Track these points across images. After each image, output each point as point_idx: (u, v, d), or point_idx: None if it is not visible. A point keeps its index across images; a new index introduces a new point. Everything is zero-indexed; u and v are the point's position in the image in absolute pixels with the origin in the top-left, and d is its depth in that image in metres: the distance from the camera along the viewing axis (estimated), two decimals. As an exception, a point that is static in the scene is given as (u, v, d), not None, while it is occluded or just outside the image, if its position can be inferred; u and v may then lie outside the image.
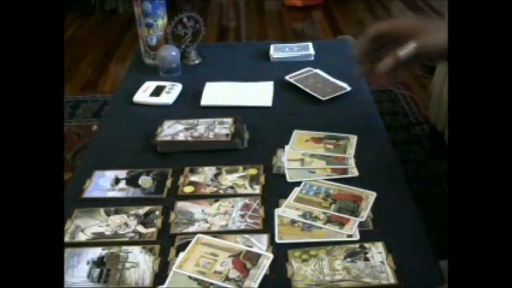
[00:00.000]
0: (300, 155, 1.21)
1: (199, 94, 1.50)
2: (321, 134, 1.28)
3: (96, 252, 0.96)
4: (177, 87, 1.53)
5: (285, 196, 1.08)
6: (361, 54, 1.11)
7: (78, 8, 4.04)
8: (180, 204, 1.07)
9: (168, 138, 1.27)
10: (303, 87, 1.50)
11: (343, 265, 0.90)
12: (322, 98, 1.45)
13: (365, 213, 1.02)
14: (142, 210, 1.06)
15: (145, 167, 1.20)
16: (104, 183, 1.15)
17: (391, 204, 1.05)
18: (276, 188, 1.11)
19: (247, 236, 0.98)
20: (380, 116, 1.40)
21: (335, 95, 1.46)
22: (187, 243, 0.96)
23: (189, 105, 1.47)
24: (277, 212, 1.04)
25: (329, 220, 1.01)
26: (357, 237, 0.96)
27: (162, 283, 0.89)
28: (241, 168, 1.18)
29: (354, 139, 1.26)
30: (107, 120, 1.52)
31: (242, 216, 1.03)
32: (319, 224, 1.00)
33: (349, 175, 1.14)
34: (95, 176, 1.17)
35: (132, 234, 1.00)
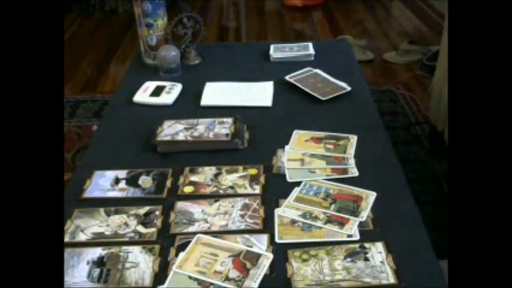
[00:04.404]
0: (300, 155, 1.21)
1: (199, 94, 1.50)
2: (321, 134, 1.28)
3: (96, 252, 0.96)
4: (177, 87, 1.53)
5: (285, 196, 1.08)
6: None
7: (78, 8, 4.03)
8: (180, 204, 1.07)
9: (168, 138, 1.27)
10: (303, 87, 1.50)
11: (343, 265, 0.90)
12: (322, 98, 1.45)
13: (365, 213, 1.02)
14: (142, 210, 1.06)
15: (145, 167, 1.20)
16: (104, 183, 1.15)
17: (391, 204, 1.05)
18: (276, 188, 1.11)
19: (247, 236, 0.98)
20: (380, 116, 1.40)
21: (335, 95, 1.46)
22: (187, 243, 0.96)
23: (189, 105, 1.47)
24: (277, 212, 1.04)
25: (329, 220, 1.01)
26: (357, 237, 0.96)
27: (162, 283, 0.89)
28: (241, 168, 1.17)
29: (354, 139, 1.26)
30: (107, 120, 1.52)
31: (242, 216, 1.03)
32: (319, 224, 1.00)
33: (349, 175, 1.14)
34: (95, 176, 1.17)
35: (132, 234, 1.00)
